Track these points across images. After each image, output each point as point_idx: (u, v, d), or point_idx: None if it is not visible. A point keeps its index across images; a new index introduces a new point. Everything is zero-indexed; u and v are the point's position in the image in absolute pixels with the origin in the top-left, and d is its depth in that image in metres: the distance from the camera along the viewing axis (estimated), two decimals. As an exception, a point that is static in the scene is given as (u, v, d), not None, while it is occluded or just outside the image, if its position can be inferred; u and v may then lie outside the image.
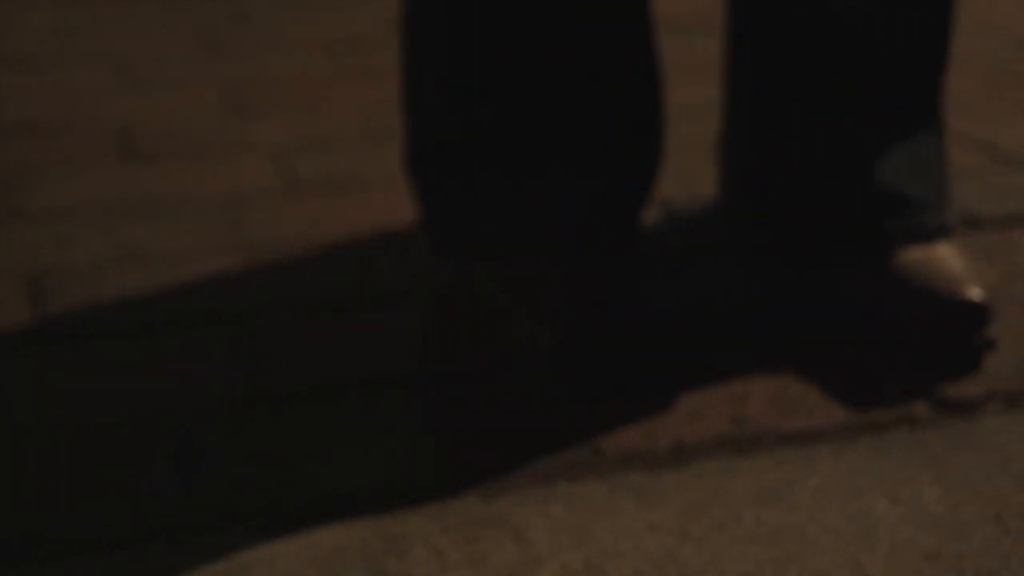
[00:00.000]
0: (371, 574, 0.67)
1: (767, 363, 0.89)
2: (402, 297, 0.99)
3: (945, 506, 0.72)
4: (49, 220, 1.12)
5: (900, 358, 0.88)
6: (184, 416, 0.84)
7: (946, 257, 0.92)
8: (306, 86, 1.47)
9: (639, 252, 0.98)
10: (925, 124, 0.96)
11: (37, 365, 0.89)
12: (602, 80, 0.90)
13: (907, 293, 0.88)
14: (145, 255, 1.05)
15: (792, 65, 0.93)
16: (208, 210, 1.14)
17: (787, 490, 0.74)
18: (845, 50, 0.92)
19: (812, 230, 0.94)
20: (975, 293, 0.87)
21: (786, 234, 0.96)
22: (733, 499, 0.73)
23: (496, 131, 0.90)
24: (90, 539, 0.71)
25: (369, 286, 1.00)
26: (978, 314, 0.87)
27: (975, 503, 0.72)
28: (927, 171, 0.96)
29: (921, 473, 0.75)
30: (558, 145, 0.90)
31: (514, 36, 0.88)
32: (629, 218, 0.94)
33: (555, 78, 0.89)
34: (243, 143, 1.29)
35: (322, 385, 0.87)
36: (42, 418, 0.83)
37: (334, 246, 1.07)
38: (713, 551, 0.68)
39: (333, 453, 0.80)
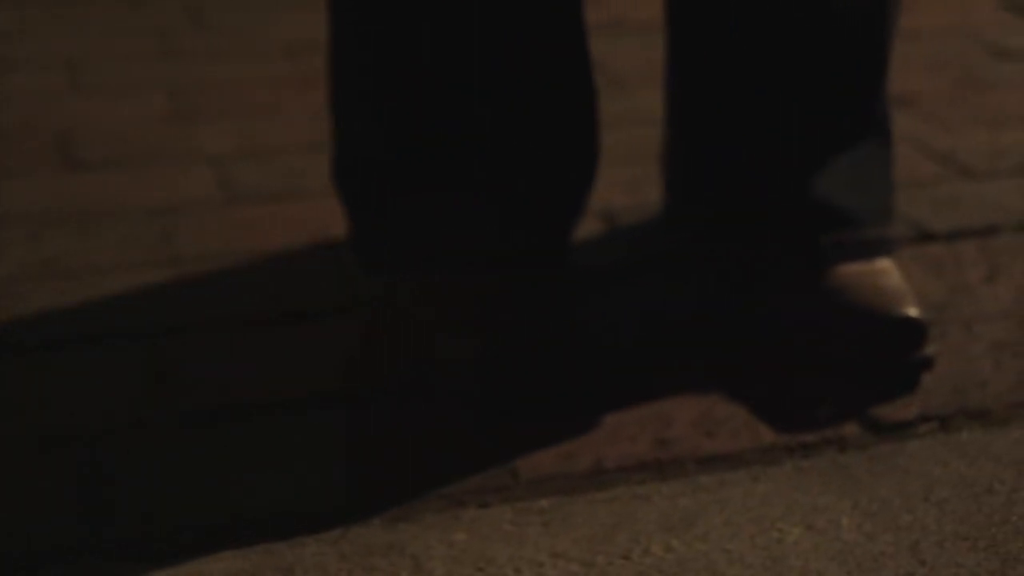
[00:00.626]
0: (262, 605, 0.66)
1: (696, 382, 0.87)
2: (330, 313, 0.97)
3: (861, 534, 0.70)
4: (-21, 229, 1.10)
5: (833, 377, 0.86)
6: (91, 437, 0.82)
7: (884, 273, 0.90)
8: (259, 90, 1.45)
9: (572, 265, 0.97)
10: (865, 135, 0.95)
11: (-53, 382, 0.87)
12: (529, 92, 0.89)
13: (841, 310, 0.86)
14: (69, 268, 1.03)
15: (725, 75, 0.91)
16: (141, 220, 1.12)
17: (701, 517, 0.72)
18: (778, 61, 0.90)
19: (747, 244, 0.92)
20: (911, 310, 0.85)
21: (722, 248, 0.94)
22: (644, 526, 0.71)
23: (419, 145, 0.88)
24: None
25: (296, 301, 0.99)
26: (914, 332, 0.85)
27: (892, 532, 0.70)
28: (868, 184, 0.94)
29: (841, 499, 0.73)
30: (484, 159, 0.88)
31: (436, 49, 0.86)
32: (559, 231, 0.92)
33: (481, 91, 0.87)
34: (186, 150, 1.28)
35: (238, 405, 0.85)
36: (-54, 437, 0.81)
37: (265, 259, 1.05)
38: (618, 582, 0.66)
39: (243, 476, 0.78)
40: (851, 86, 0.91)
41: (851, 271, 0.89)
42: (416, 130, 0.88)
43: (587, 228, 1.10)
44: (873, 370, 0.86)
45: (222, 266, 1.04)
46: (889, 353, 0.85)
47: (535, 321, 0.84)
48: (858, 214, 0.92)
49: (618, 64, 1.50)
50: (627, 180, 1.19)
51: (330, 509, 0.75)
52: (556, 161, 0.91)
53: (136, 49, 1.59)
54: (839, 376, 0.86)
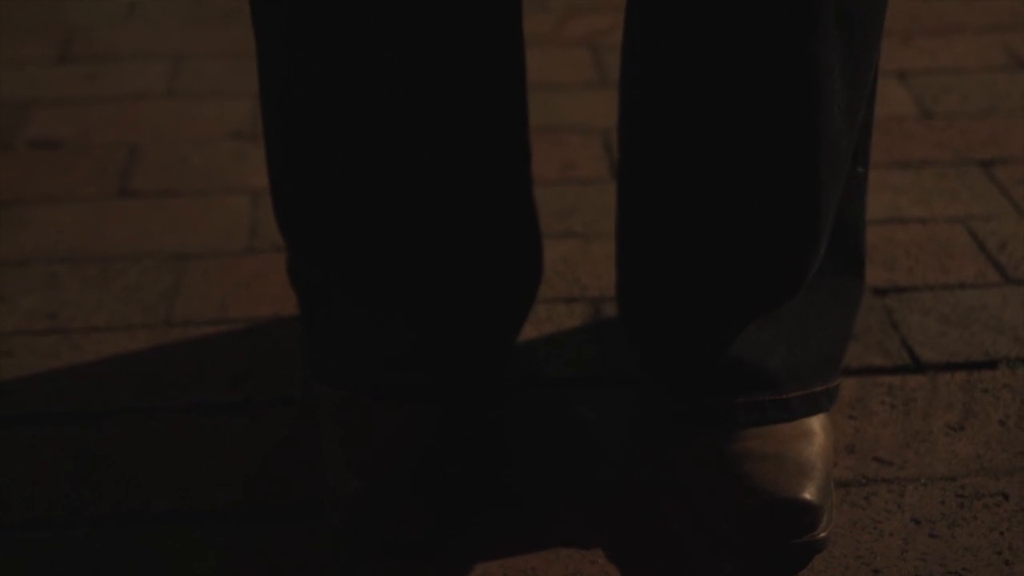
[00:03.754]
0: None
1: (577, 533, 0.89)
2: (276, 403, 1.02)
3: None
4: None
5: (715, 551, 0.86)
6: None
7: (799, 438, 0.88)
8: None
9: (496, 386, 0.98)
10: (811, 291, 0.93)
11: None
12: (466, 230, 0.90)
13: (732, 482, 0.85)
14: (65, 326, 1.11)
15: (663, 232, 0.90)
16: (154, 268, 1.19)
17: None
18: (707, 225, 0.88)
19: (665, 395, 0.92)
20: (806, 492, 0.84)
21: (649, 391, 0.95)
22: None
23: (346, 267, 0.91)
24: None
25: (248, 385, 1.04)
26: (803, 516, 0.84)
27: None
28: (807, 339, 0.92)
29: None
30: (404, 288, 0.91)
31: (371, 175, 0.88)
32: (480, 364, 0.94)
33: (416, 219, 0.89)
34: (232, 185, 1.33)
35: (144, 511, 0.92)
36: None
37: (247, 328, 1.11)
38: None
39: None
40: (785, 252, 0.88)
41: (761, 435, 0.88)
42: (345, 252, 0.91)
43: (569, 314, 1.11)
44: (758, 548, 0.85)
45: (204, 334, 1.10)
46: (773, 535, 0.84)
47: (425, 464, 0.87)
48: (782, 374, 0.90)
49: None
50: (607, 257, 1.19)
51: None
52: (485, 299, 0.93)
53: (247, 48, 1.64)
54: (723, 549, 0.86)
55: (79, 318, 1.12)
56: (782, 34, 0.82)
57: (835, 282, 0.96)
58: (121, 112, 1.48)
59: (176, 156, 1.38)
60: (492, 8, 0.88)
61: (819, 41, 0.83)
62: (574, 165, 1.35)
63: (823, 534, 0.86)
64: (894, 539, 0.88)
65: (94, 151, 1.40)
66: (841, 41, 0.84)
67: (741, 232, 0.87)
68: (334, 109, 0.86)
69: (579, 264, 1.18)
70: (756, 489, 0.85)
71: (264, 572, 0.86)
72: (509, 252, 0.94)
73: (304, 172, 0.90)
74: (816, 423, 0.91)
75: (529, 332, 1.09)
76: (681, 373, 0.91)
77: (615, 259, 0.96)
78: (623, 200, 0.93)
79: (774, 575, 0.85)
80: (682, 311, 0.90)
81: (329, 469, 0.89)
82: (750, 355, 0.90)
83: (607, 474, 0.94)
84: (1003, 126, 1.41)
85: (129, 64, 1.57)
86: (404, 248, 0.90)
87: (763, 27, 0.82)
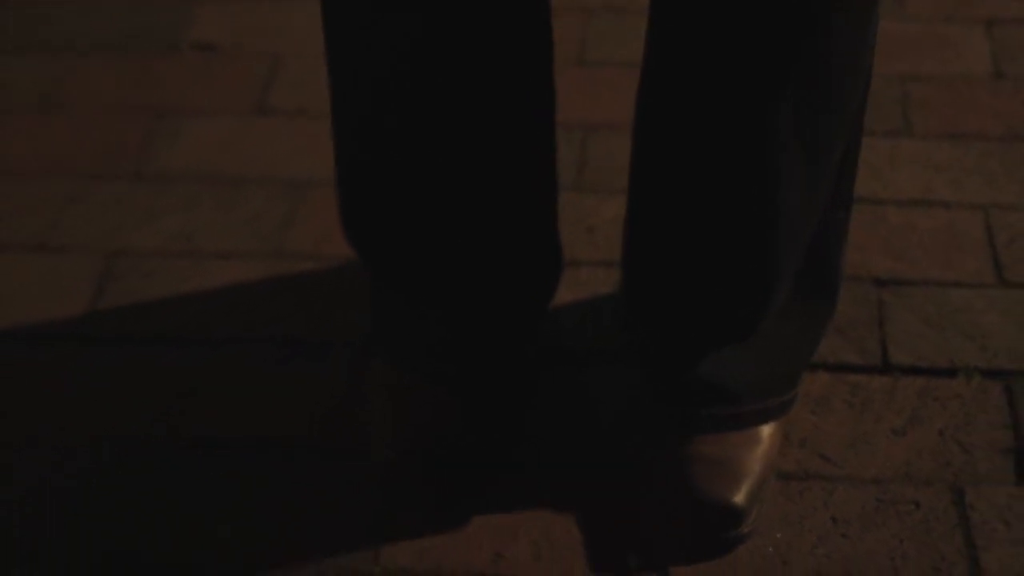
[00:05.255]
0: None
1: (562, 499, 1.12)
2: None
3: None
4: None
5: (658, 534, 1.09)
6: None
7: (746, 445, 1.09)
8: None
9: (512, 378, 1.20)
10: (783, 314, 1.11)
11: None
12: (494, 237, 1.11)
13: (676, 480, 1.07)
14: (192, 250, 1.37)
15: (660, 263, 1.10)
16: (275, 196, 1.43)
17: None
18: (683, 274, 1.07)
19: (651, 393, 1.13)
20: (737, 496, 1.06)
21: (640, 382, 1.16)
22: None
23: (394, 270, 1.13)
24: None
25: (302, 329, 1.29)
26: (729, 517, 1.06)
27: None
28: (769, 358, 1.12)
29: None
30: (438, 290, 1.13)
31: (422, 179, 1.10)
32: (501, 355, 1.16)
33: (453, 225, 1.11)
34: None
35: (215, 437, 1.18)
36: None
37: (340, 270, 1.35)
38: None
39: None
40: (743, 301, 1.07)
41: (714, 441, 1.09)
42: (393, 250, 1.13)
43: (607, 279, 1.31)
44: (691, 538, 1.07)
45: (306, 269, 1.35)
46: (703, 529, 1.06)
47: (448, 438, 1.11)
48: (743, 390, 1.10)
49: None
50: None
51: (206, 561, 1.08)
52: (505, 302, 1.14)
53: None
54: (663, 535, 1.09)
55: (210, 243, 1.38)
56: (739, 142, 1.00)
57: (807, 307, 1.14)
58: (273, 17, 1.69)
59: (314, 71, 1.61)
60: (528, 61, 1.07)
61: (776, 147, 1.00)
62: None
63: (747, 530, 1.08)
64: (810, 535, 1.10)
65: (242, 59, 1.63)
66: (800, 140, 1.01)
67: (709, 282, 1.07)
68: (396, 138, 1.07)
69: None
70: (696, 489, 1.07)
71: (314, 501, 1.13)
72: (530, 264, 1.15)
73: (364, 190, 1.11)
74: (766, 429, 1.12)
75: (565, 296, 1.30)
76: (662, 383, 1.12)
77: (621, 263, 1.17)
78: (626, 234, 1.12)
79: (700, 559, 1.08)
80: (662, 338, 1.11)
81: (372, 430, 1.14)
82: (718, 374, 1.10)
83: (602, 453, 1.17)
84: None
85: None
86: (439, 255, 1.12)
87: (719, 139, 1.00)
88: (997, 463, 1.14)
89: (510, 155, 1.10)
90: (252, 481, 1.15)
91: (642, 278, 1.10)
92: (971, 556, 1.07)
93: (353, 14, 1.03)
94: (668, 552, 1.08)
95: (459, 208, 1.09)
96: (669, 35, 0.98)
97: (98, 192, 1.44)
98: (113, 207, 1.42)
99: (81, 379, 1.23)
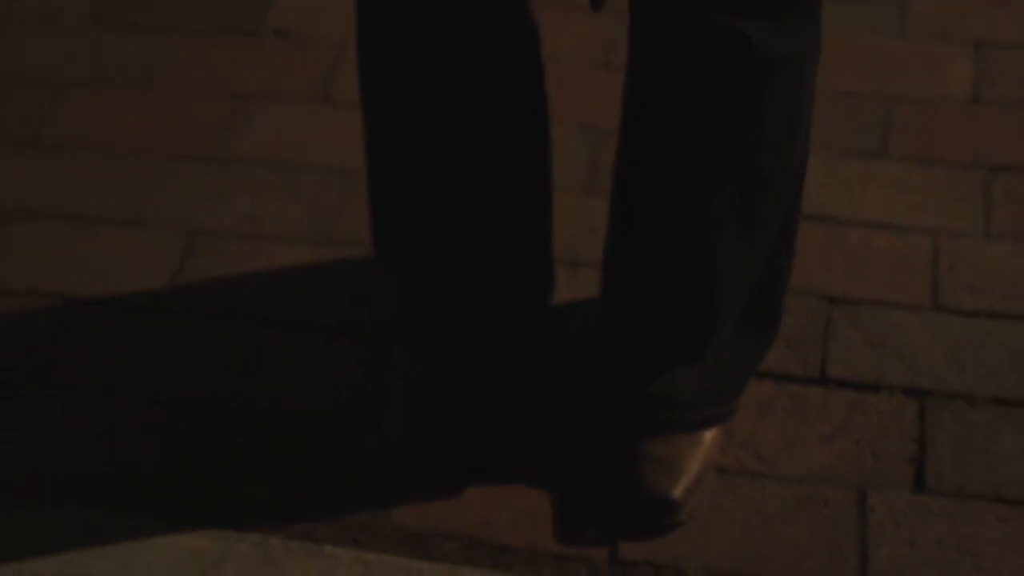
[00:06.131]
0: None
1: (540, 481, 1.38)
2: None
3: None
4: None
5: (613, 516, 1.35)
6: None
7: (690, 445, 1.35)
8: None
9: (514, 375, 1.45)
10: (734, 339, 1.35)
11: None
12: (499, 256, 1.36)
13: (624, 473, 1.33)
14: (253, 232, 1.63)
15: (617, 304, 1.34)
16: (334, 184, 1.68)
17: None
18: (641, 315, 1.32)
19: (620, 402, 1.38)
20: (674, 490, 1.31)
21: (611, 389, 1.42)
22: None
23: (413, 273, 1.39)
24: None
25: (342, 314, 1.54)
26: (665, 509, 1.32)
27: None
28: (716, 375, 1.36)
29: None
30: (450, 291, 1.38)
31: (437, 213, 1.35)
32: (502, 358, 1.41)
33: (461, 242, 1.35)
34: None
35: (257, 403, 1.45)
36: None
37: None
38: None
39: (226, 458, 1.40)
40: (689, 341, 1.31)
41: (662, 442, 1.34)
42: (416, 261, 1.38)
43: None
44: (634, 522, 1.33)
45: (351, 255, 1.60)
46: (645, 517, 1.32)
47: (452, 425, 1.37)
48: (690, 401, 1.35)
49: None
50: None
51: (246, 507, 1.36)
52: (505, 311, 1.39)
53: None
54: (617, 517, 1.34)
55: (273, 226, 1.64)
56: (687, 220, 1.23)
57: (749, 336, 1.38)
58: (347, 2, 1.92)
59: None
60: (525, 118, 1.31)
61: (716, 224, 1.23)
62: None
63: (683, 518, 1.33)
64: (735, 526, 1.35)
65: (313, 46, 1.86)
66: (738, 219, 1.24)
67: (663, 319, 1.31)
68: (415, 179, 1.32)
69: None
70: (642, 482, 1.33)
71: (339, 467, 1.40)
72: (525, 281, 1.40)
73: (390, 220, 1.36)
74: (708, 434, 1.37)
75: (566, 294, 1.55)
76: (624, 392, 1.37)
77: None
78: (602, 277, 1.37)
79: (644, 538, 1.34)
80: (625, 358, 1.36)
81: (387, 411, 1.41)
82: (669, 387, 1.35)
83: (583, 441, 1.42)
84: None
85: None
86: (448, 273, 1.37)
87: (673, 217, 1.23)
88: (900, 472, 1.39)
89: (509, 193, 1.34)
90: (290, 446, 1.42)
91: (612, 313, 1.35)
92: (863, 551, 1.33)
93: (381, 70, 1.27)
94: (619, 530, 1.35)
95: (466, 237, 1.34)
96: (636, 138, 1.22)
97: (182, 172, 1.70)
98: (195, 187, 1.68)
99: (157, 346, 1.51)
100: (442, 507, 1.37)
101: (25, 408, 1.45)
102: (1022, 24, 1.85)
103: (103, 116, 1.78)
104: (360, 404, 1.46)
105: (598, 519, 1.36)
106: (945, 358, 1.48)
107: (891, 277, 1.57)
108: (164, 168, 1.71)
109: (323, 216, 1.65)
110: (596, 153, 1.72)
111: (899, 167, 1.68)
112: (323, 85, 1.81)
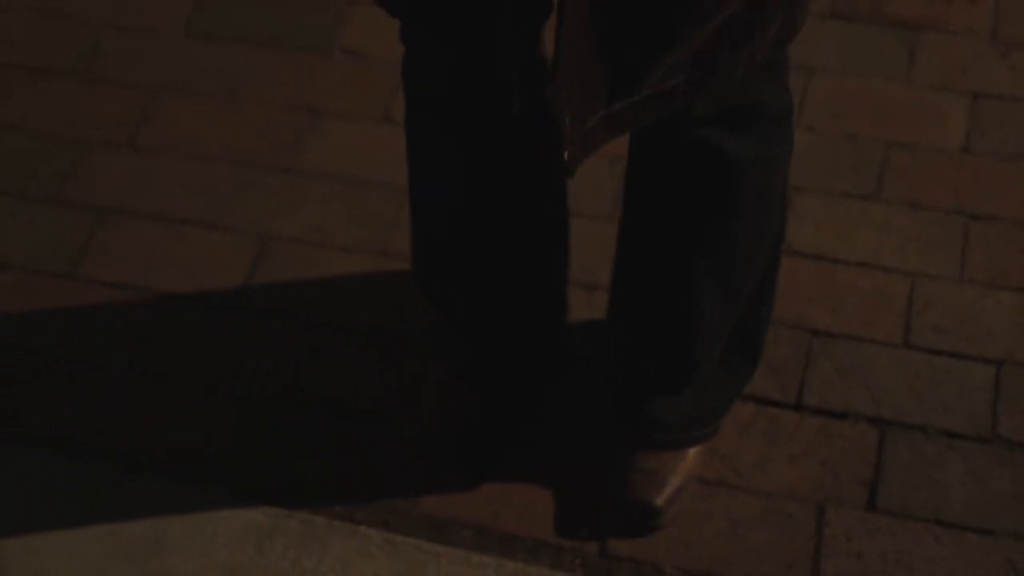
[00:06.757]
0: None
1: (544, 481, 1.61)
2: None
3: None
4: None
5: (604, 517, 1.58)
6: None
7: (674, 460, 1.58)
8: None
9: (528, 385, 1.68)
10: (720, 367, 1.58)
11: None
12: (520, 286, 1.59)
13: (617, 479, 1.56)
14: (318, 241, 1.87)
15: (626, 333, 1.57)
16: (390, 197, 1.91)
17: (418, 574, 1.52)
18: (636, 361, 1.54)
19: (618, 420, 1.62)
20: (656, 498, 1.55)
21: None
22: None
23: (447, 303, 1.62)
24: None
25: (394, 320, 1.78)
26: (646, 513, 1.55)
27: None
28: (700, 403, 1.58)
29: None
30: (476, 319, 1.61)
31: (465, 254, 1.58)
32: (517, 365, 1.64)
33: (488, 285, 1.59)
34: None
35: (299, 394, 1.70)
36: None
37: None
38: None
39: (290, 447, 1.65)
40: (674, 379, 1.54)
41: (652, 456, 1.58)
42: (449, 293, 1.62)
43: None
44: (623, 522, 1.57)
45: (402, 268, 1.83)
46: (633, 518, 1.56)
47: (475, 425, 1.61)
48: (676, 423, 1.57)
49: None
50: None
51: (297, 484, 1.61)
52: (519, 337, 1.62)
53: None
54: (608, 518, 1.58)
55: (335, 237, 1.87)
56: (672, 286, 1.45)
57: (731, 372, 1.60)
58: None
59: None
60: (544, 193, 1.53)
61: (696, 289, 1.45)
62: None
63: (664, 523, 1.57)
64: (711, 529, 1.58)
65: (379, 65, 2.08)
66: (717, 284, 1.46)
67: (653, 360, 1.54)
68: (448, 226, 1.55)
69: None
70: (630, 490, 1.56)
71: (378, 457, 1.64)
72: (538, 314, 1.63)
73: (428, 260, 1.59)
74: (691, 451, 1.60)
75: (583, 314, 1.77)
76: (620, 413, 1.60)
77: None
78: (607, 324, 1.59)
79: (630, 537, 1.57)
80: (622, 386, 1.59)
81: (421, 411, 1.65)
82: (659, 411, 1.58)
83: (585, 448, 1.65)
84: (1022, 175, 1.91)
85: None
86: (474, 306, 1.60)
87: (662, 283, 1.46)
88: (856, 492, 1.61)
89: (527, 244, 1.57)
90: (335, 437, 1.67)
91: (612, 349, 1.58)
92: (816, 560, 1.56)
93: (420, 141, 1.49)
94: (609, 530, 1.59)
95: (490, 277, 1.57)
96: (632, 223, 1.46)
97: (258, 180, 1.94)
98: (268, 195, 1.92)
99: (230, 340, 1.76)
100: (460, 499, 1.62)
101: (116, 390, 1.71)
102: (1018, 78, 2.04)
103: (191, 123, 2.01)
104: (397, 404, 1.70)
105: (592, 518, 1.60)
106: (907, 392, 1.70)
107: (869, 314, 1.78)
108: (243, 176, 1.94)
109: (379, 230, 1.88)
110: (619, 183, 1.93)
111: (889, 210, 1.88)
112: (385, 105, 2.03)
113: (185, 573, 1.54)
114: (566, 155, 1.11)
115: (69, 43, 2.11)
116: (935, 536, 1.57)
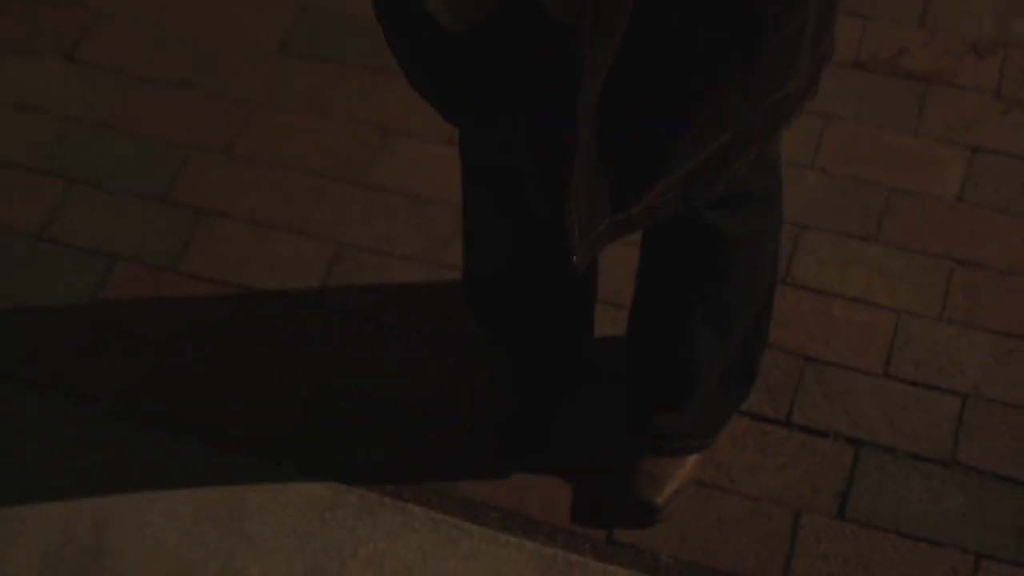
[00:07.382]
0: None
1: (564, 475, 1.89)
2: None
3: (521, 601, 1.78)
4: (380, 181, 2.22)
5: (611, 512, 1.86)
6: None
7: (674, 465, 1.86)
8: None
9: (556, 396, 1.96)
10: (719, 386, 1.85)
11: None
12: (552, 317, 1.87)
13: (623, 479, 1.84)
14: (385, 251, 2.15)
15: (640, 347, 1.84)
16: (448, 214, 2.19)
17: (453, 548, 1.81)
18: (644, 386, 1.82)
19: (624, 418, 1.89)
20: (657, 498, 1.82)
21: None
22: (435, 552, 1.81)
23: (490, 320, 1.90)
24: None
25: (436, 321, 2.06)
26: (647, 511, 1.83)
27: (533, 606, 1.77)
28: (700, 417, 1.85)
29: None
30: (513, 335, 1.89)
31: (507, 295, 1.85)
32: (547, 372, 1.92)
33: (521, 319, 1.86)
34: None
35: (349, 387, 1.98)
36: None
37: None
38: None
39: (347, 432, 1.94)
40: (675, 402, 1.81)
41: (654, 461, 1.85)
42: (488, 322, 1.89)
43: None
44: (626, 518, 1.85)
45: (455, 279, 2.11)
46: (634, 514, 1.84)
47: (507, 426, 1.89)
48: (677, 434, 1.85)
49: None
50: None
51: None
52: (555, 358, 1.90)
53: None
54: (614, 513, 1.86)
55: (400, 247, 2.15)
56: (672, 331, 1.73)
57: (728, 394, 1.87)
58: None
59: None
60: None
61: (692, 334, 1.72)
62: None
63: (662, 518, 1.85)
64: (702, 526, 1.86)
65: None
66: (712, 330, 1.73)
67: (657, 383, 1.82)
68: (494, 274, 1.82)
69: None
70: (634, 489, 1.84)
71: (427, 446, 1.93)
72: (571, 339, 1.90)
73: (475, 287, 1.86)
74: (690, 459, 1.87)
75: (608, 330, 2.04)
76: (629, 424, 1.88)
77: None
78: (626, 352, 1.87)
79: (631, 528, 1.85)
80: (631, 403, 1.86)
81: (464, 409, 1.94)
82: (662, 424, 1.85)
83: (601, 449, 1.93)
84: (1007, 226, 2.14)
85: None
86: (512, 325, 1.87)
87: (664, 329, 1.73)
88: (829, 501, 1.88)
89: (564, 292, 1.84)
90: (390, 426, 1.96)
91: (626, 370, 1.85)
92: (789, 558, 1.83)
93: (474, 204, 1.76)
94: (616, 521, 1.87)
95: (528, 314, 1.85)
96: (643, 283, 1.75)
97: (336, 192, 2.22)
98: (345, 206, 2.20)
99: (306, 335, 2.05)
100: (492, 485, 1.90)
101: (205, 373, 2.01)
102: (1017, 134, 2.27)
103: (281, 134, 2.29)
104: (444, 401, 1.99)
105: (601, 510, 1.88)
106: (882, 417, 1.96)
107: (858, 345, 2.04)
108: (324, 186, 2.22)
109: (437, 243, 2.16)
110: (653, 211, 2.20)
111: (884, 251, 2.14)
112: (450, 129, 2.30)
113: (261, 535, 1.84)
114: (574, 260, 1.37)
115: (179, 57, 2.40)
116: (893, 544, 1.85)
